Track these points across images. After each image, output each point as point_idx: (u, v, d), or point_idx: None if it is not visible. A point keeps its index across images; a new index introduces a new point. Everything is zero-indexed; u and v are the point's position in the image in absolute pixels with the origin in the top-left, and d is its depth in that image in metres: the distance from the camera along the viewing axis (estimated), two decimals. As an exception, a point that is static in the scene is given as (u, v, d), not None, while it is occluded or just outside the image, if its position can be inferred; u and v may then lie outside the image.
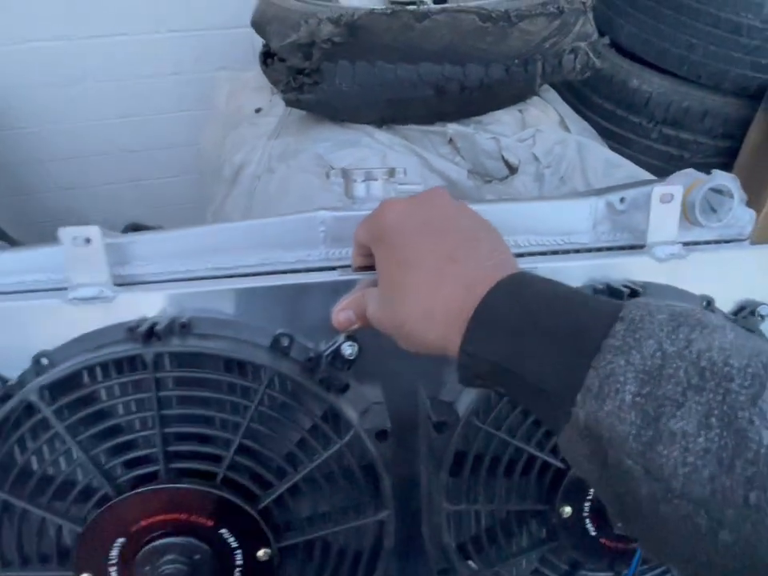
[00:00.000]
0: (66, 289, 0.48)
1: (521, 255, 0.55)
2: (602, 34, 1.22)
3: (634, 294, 0.50)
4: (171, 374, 0.45)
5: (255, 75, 1.37)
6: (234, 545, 0.46)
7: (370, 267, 0.46)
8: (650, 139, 1.53)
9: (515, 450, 0.50)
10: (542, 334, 0.32)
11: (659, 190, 0.53)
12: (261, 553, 0.46)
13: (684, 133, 1.50)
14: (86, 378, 0.45)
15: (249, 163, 1.12)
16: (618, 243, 0.57)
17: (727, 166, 1.48)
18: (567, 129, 1.22)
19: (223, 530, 0.46)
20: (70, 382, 0.44)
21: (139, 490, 0.44)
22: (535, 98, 1.24)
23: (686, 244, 0.56)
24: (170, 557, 0.45)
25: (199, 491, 0.44)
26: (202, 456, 0.46)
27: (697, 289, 0.54)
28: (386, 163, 1.03)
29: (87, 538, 0.44)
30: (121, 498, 0.44)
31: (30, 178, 1.80)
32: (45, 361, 0.45)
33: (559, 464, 0.50)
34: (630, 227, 0.56)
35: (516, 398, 0.38)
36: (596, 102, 1.57)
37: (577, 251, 0.56)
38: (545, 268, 0.52)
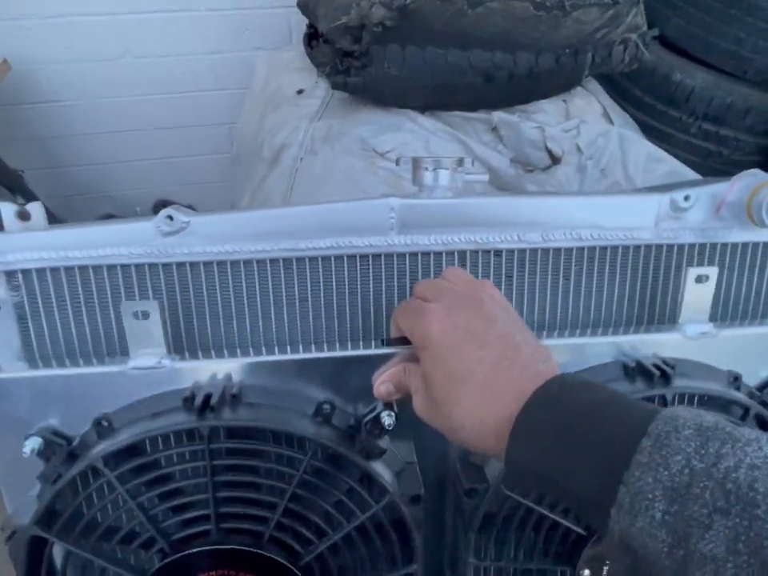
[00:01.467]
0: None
1: (583, 249, 0.57)
2: (648, 25, 1.19)
3: (663, 375, 0.52)
4: (225, 445, 0.48)
5: (296, 55, 1.33)
6: (277, 597, 0.50)
7: (407, 339, 0.48)
8: (688, 134, 1.50)
9: (541, 515, 0.53)
10: (575, 448, 0.34)
11: (694, 271, 0.54)
12: (300, 604, 0.51)
13: (725, 129, 1.46)
14: (146, 447, 0.48)
15: (291, 144, 1.11)
16: (678, 241, 0.57)
17: (765, 165, 1.45)
18: (610, 120, 1.19)
19: (267, 585, 0.50)
20: (131, 450, 0.47)
21: (194, 550, 0.48)
22: (579, 88, 1.21)
23: (745, 244, 0.58)
24: (218, 607, 0.49)
25: (248, 552, 0.48)
26: (250, 517, 0.49)
27: (725, 364, 0.56)
28: (428, 149, 1.02)
29: (145, 588, 0.49)
30: (177, 556, 0.48)
31: (62, 152, 1.82)
32: (105, 423, 0.49)
33: (581, 531, 0.53)
34: (692, 226, 0.57)
35: (560, 503, 0.40)
36: (635, 95, 1.52)
37: (637, 247, 0.57)
38: (572, 344, 0.54)
